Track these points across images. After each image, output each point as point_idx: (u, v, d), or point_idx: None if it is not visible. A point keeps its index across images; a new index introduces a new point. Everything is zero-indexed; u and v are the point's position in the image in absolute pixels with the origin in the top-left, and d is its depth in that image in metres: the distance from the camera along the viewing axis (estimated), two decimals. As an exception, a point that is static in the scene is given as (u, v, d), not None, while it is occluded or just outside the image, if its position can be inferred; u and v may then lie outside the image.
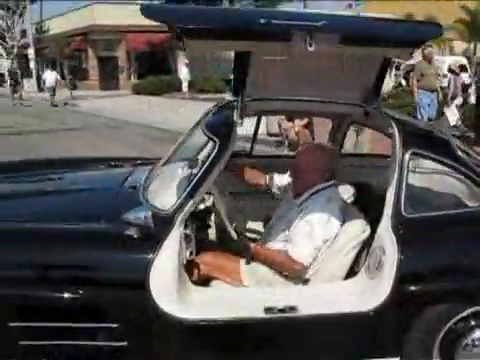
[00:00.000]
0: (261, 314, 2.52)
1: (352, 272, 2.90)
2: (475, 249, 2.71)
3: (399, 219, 2.70)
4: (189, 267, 2.81)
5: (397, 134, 2.85)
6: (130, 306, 2.51)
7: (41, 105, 23.40)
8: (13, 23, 40.83)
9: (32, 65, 34.08)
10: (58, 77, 23.91)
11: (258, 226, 3.58)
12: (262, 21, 2.21)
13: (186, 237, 2.70)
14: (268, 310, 2.53)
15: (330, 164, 3.08)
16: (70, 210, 3.08)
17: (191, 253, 2.76)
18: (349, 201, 3.20)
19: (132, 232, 2.57)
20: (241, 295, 2.83)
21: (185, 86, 25.47)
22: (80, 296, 2.46)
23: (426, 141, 3.03)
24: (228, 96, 24.82)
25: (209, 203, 3.14)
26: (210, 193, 3.08)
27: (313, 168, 3.03)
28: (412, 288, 2.63)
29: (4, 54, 42.85)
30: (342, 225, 2.92)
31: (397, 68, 21.52)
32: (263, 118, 10.63)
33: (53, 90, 22.89)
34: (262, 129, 11.19)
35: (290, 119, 8.57)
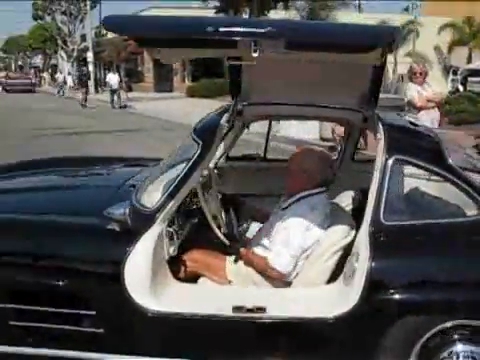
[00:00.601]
0: (229, 312, 2.57)
1: (334, 277, 2.85)
2: (455, 261, 2.59)
3: (377, 226, 2.63)
4: (177, 264, 2.94)
5: (382, 139, 2.78)
6: (106, 296, 2.66)
7: (102, 107, 24.19)
8: (74, 28, 42.46)
9: (91, 68, 35.17)
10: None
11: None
12: (210, 29, 2.23)
13: (170, 235, 2.78)
14: (236, 309, 2.58)
15: (320, 170, 3.00)
16: (66, 204, 3.29)
17: (174, 250, 2.83)
18: (348, 207, 3.16)
19: (113, 226, 2.71)
20: (216, 293, 2.89)
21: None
22: (62, 283, 2.65)
23: (413, 148, 2.86)
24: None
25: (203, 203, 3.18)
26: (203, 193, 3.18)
27: (300, 172, 2.99)
28: (383, 297, 2.53)
29: (65, 57, 44.55)
30: (326, 231, 2.89)
31: (454, 73, 20.90)
32: (316, 123, 10.60)
33: (116, 92, 23.65)
34: (315, 134, 11.29)
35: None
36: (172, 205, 2.75)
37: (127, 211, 2.79)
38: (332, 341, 2.62)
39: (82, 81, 26.58)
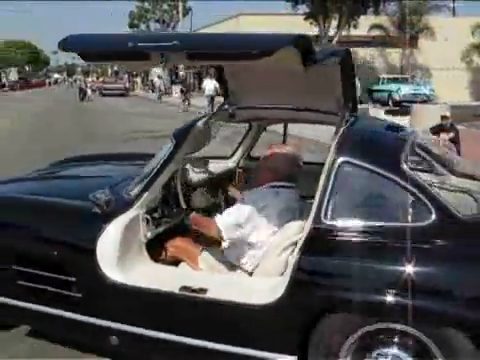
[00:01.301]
0: (176, 290, 2.88)
1: None
2: (385, 264, 2.55)
3: (317, 224, 2.69)
4: (161, 248, 3.45)
5: (335, 141, 2.92)
6: (83, 266, 3.16)
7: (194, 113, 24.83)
8: (167, 34, 44.27)
9: (181, 73, 36.35)
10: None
11: None
12: (130, 44, 2.60)
13: (146, 220, 3.25)
14: (183, 288, 2.88)
15: (286, 167, 3.25)
16: (69, 190, 3.93)
17: (152, 234, 3.31)
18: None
19: (94, 209, 3.20)
20: (179, 275, 3.26)
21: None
22: (55, 253, 3.21)
23: (364, 152, 2.85)
24: (370, 107, 24.18)
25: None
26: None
27: (267, 168, 3.28)
28: (307, 293, 2.60)
29: (157, 63, 46.36)
30: (284, 223, 3.07)
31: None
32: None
33: (212, 98, 22.94)
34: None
35: (435, 132, 8.32)
36: (147, 195, 3.28)
37: (107, 197, 3.24)
38: (257, 327, 2.75)
39: (184, 87, 26.80)
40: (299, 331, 2.64)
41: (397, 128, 3.45)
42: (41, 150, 11.34)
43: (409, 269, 2.46)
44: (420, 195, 2.64)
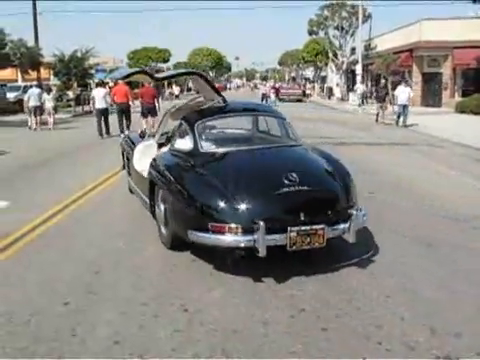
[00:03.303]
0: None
1: None
2: (174, 161, 6.04)
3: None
4: None
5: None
6: (131, 161, 7.61)
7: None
8: (345, 42, 44.62)
9: (358, 80, 36.55)
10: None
11: None
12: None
13: (157, 145, 7.01)
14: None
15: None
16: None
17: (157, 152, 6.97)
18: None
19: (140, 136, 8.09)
20: None
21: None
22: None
23: (191, 116, 6.50)
24: None
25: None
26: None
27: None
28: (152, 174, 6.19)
29: (334, 70, 47.05)
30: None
31: None
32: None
33: (406, 108, 21.00)
34: None
35: None
36: (158, 137, 7.25)
37: (144, 132, 8.24)
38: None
39: (379, 96, 23.75)
40: (149, 189, 6.11)
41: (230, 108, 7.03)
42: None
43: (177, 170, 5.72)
44: (191, 135, 5.95)
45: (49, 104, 21.93)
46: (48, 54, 33.26)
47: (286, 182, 4.82)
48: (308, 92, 54.96)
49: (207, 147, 5.79)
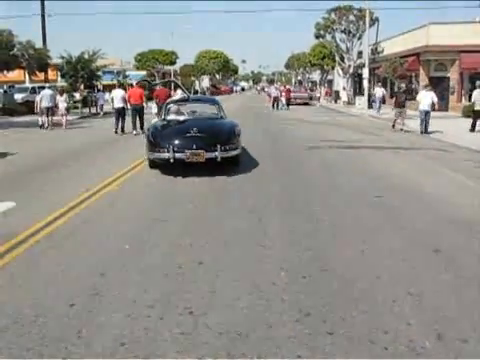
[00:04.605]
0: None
1: None
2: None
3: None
4: None
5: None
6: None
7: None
8: (352, 45, 44.57)
9: (365, 84, 36.50)
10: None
11: None
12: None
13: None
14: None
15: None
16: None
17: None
18: None
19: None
20: None
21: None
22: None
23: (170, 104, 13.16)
24: None
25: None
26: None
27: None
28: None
29: (341, 73, 46.99)
30: None
31: None
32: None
33: (428, 114, 19.78)
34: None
35: None
36: (163, 111, 13.22)
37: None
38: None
39: (399, 101, 21.32)
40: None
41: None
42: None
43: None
44: (164, 110, 12.77)
45: (62, 105, 22.96)
46: (55, 56, 33.46)
47: (191, 132, 10.45)
48: (317, 95, 54.84)
49: (168, 117, 12.19)
